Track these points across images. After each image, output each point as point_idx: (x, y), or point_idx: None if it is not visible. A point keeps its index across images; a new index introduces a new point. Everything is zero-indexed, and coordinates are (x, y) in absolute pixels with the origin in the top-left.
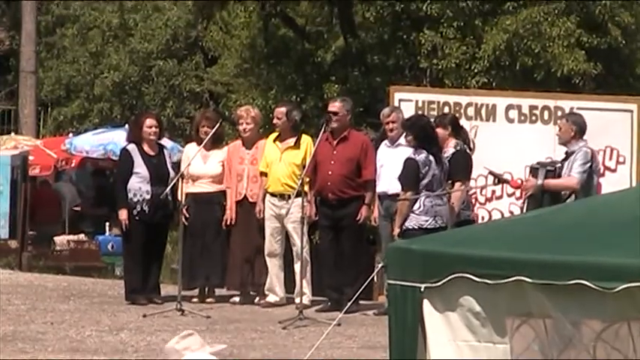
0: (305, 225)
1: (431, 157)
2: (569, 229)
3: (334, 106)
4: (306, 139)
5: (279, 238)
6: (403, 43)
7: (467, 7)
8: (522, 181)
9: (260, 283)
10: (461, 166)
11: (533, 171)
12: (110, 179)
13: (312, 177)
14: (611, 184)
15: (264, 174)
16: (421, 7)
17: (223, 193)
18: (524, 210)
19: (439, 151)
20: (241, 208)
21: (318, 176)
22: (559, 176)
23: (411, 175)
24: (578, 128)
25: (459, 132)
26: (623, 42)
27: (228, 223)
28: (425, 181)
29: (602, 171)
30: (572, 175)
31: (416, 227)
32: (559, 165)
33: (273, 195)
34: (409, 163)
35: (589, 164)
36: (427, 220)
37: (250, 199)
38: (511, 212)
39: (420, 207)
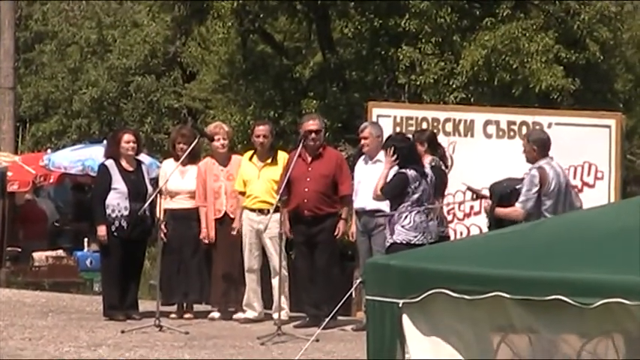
0: (283, 241)
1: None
2: (548, 245)
3: (315, 124)
4: (282, 155)
5: (257, 254)
6: (381, 59)
7: (445, 23)
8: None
9: (241, 300)
10: (437, 183)
11: (491, 194)
12: (89, 195)
13: (287, 194)
14: (589, 199)
15: (241, 193)
16: (399, 23)
17: None
18: (489, 227)
19: (422, 169)
20: (221, 225)
21: (293, 194)
22: (516, 198)
23: (397, 186)
24: (539, 147)
25: (435, 149)
26: (602, 57)
27: (206, 241)
28: (415, 196)
29: (580, 186)
30: (516, 206)
31: (404, 242)
32: (519, 185)
33: (252, 210)
34: (399, 176)
35: (536, 188)
36: (416, 236)
37: (231, 215)
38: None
39: (410, 222)
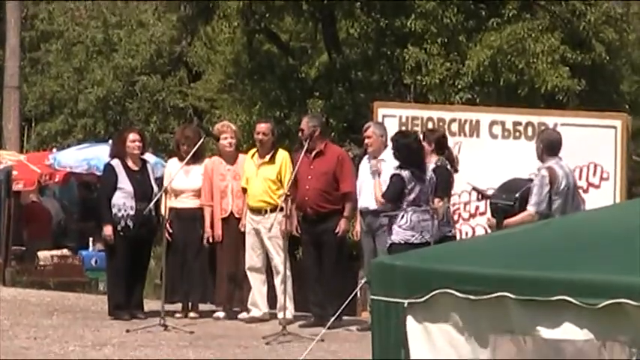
0: (286, 240)
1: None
2: (553, 245)
3: (302, 122)
4: (282, 154)
5: (260, 253)
6: (387, 59)
7: (451, 24)
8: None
9: (246, 299)
10: (441, 182)
11: (493, 210)
12: (94, 194)
13: (293, 193)
14: (595, 200)
15: (244, 190)
16: (405, 24)
17: None
18: None
19: (421, 169)
20: (227, 225)
21: (297, 192)
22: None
23: (395, 189)
24: (545, 146)
25: (443, 150)
26: (607, 58)
27: (211, 240)
28: (411, 197)
29: (585, 187)
30: (527, 210)
31: (402, 242)
32: (518, 194)
33: (252, 210)
34: (395, 178)
35: (547, 188)
36: (413, 236)
37: (237, 215)
38: None
39: (407, 222)
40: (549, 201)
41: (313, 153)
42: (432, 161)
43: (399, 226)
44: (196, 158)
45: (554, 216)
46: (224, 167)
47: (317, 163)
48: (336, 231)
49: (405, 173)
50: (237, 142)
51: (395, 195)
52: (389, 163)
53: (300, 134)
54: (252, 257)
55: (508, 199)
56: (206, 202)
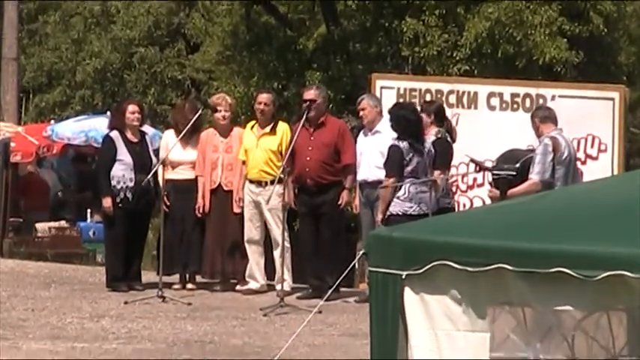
0: (285, 212)
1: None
2: (551, 217)
3: (310, 93)
4: (282, 126)
5: (258, 225)
6: (385, 31)
7: None
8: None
9: (239, 271)
10: (441, 154)
11: (495, 181)
12: (92, 166)
13: (291, 165)
14: (592, 172)
15: (243, 162)
16: None
17: None
18: None
19: (419, 141)
20: (215, 197)
21: (296, 164)
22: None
23: (395, 161)
24: (542, 119)
25: (442, 121)
26: (605, 30)
27: (201, 211)
28: (409, 168)
29: (583, 159)
30: (531, 178)
31: (400, 213)
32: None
33: (251, 182)
34: (393, 149)
35: (551, 156)
36: (411, 207)
37: (225, 188)
38: None
39: (404, 193)
40: (552, 170)
41: (314, 125)
42: (431, 133)
43: (397, 198)
44: (194, 130)
45: (557, 185)
46: (218, 139)
47: (318, 135)
48: (339, 203)
49: (403, 144)
50: (232, 115)
51: (396, 166)
52: (385, 134)
53: (305, 105)
54: (250, 229)
55: (510, 170)
56: (199, 173)
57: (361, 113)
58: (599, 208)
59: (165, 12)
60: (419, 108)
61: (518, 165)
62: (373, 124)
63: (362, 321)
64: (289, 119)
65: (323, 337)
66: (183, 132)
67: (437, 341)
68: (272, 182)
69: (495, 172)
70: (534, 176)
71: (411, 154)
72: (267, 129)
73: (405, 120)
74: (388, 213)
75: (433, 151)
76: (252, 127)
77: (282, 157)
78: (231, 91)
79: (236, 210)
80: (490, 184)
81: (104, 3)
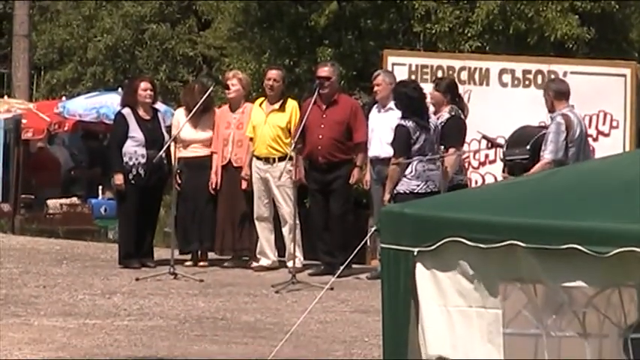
0: (295, 189)
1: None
2: (563, 194)
3: (324, 70)
4: (291, 103)
5: (267, 202)
6: (397, 8)
7: None
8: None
9: (250, 247)
10: (455, 132)
11: (509, 167)
12: (103, 142)
13: (301, 142)
14: (604, 148)
15: (251, 139)
16: None
17: None
18: None
19: (423, 118)
20: (226, 173)
21: (307, 141)
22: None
23: (402, 141)
24: (556, 93)
25: (454, 97)
26: (617, 7)
27: (213, 187)
28: (417, 147)
29: (595, 135)
30: (544, 157)
31: (407, 192)
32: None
33: (258, 158)
34: (399, 129)
35: (564, 135)
36: (419, 185)
37: (235, 164)
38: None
39: (412, 172)
40: (565, 148)
41: (326, 103)
42: (445, 110)
43: (404, 176)
44: (205, 109)
45: (569, 163)
46: (230, 115)
47: (330, 113)
48: (351, 181)
49: (409, 123)
50: (243, 91)
51: (403, 146)
52: (398, 112)
53: (317, 82)
54: (259, 206)
55: (522, 154)
56: (214, 149)
57: (376, 88)
58: (610, 185)
59: None
60: (432, 85)
61: (528, 147)
62: (387, 101)
63: (374, 298)
64: (300, 96)
65: (335, 313)
66: (192, 112)
67: (449, 317)
68: (280, 159)
69: (508, 158)
70: (547, 155)
71: (417, 133)
72: (277, 105)
73: (407, 97)
74: (395, 191)
75: (440, 127)
76: (261, 103)
77: (290, 134)
78: (242, 67)
79: (243, 186)
80: (503, 170)
81: None
